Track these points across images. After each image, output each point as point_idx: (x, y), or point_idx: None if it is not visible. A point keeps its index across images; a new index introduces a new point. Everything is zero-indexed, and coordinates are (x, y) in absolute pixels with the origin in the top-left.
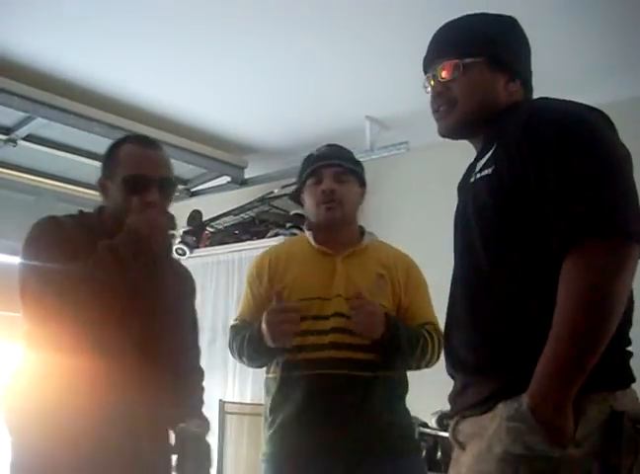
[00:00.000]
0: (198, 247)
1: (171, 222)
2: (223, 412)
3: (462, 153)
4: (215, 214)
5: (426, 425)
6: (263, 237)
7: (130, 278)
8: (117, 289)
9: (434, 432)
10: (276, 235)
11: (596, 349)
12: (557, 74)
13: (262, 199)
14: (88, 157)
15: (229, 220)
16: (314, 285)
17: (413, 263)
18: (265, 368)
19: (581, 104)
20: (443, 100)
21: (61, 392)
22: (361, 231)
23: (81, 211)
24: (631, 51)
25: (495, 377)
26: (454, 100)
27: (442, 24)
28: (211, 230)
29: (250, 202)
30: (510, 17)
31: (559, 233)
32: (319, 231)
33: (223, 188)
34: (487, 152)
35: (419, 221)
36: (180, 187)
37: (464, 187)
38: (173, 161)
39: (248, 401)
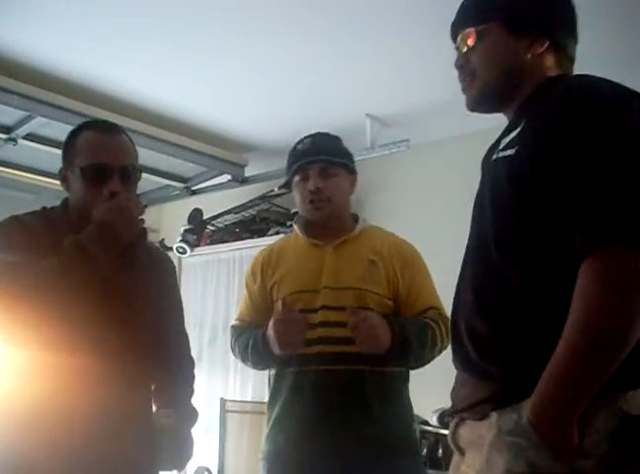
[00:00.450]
0: (198, 245)
1: (138, 208)
2: (224, 410)
3: (463, 151)
4: (216, 213)
5: (427, 422)
6: (263, 235)
7: (101, 273)
8: (88, 285)
9: (435, 429)
10: (276, 233)
11: (612, 361)
12: None
13: (262, 198)
14: None
15: (230, 218)
16: (302, 278)
17: (410, 247)
18: None
19: (627, 89)
20: (465, 72)
21: (43, 392)
22: (355, 218)
23: (44, 208)
24: (631, 52)
25: (491, 380)
26: (474, 71)
27: None
28: (212, 228)
29: (250, 201)
30: None
31: (586, 232)
32: (309, 225)
33: (224, 186)
34: (514, 129)
35: (419, 219)
36: (180, 185)
37: (486, 164)
38: (173, 159)
39: (249, 399)
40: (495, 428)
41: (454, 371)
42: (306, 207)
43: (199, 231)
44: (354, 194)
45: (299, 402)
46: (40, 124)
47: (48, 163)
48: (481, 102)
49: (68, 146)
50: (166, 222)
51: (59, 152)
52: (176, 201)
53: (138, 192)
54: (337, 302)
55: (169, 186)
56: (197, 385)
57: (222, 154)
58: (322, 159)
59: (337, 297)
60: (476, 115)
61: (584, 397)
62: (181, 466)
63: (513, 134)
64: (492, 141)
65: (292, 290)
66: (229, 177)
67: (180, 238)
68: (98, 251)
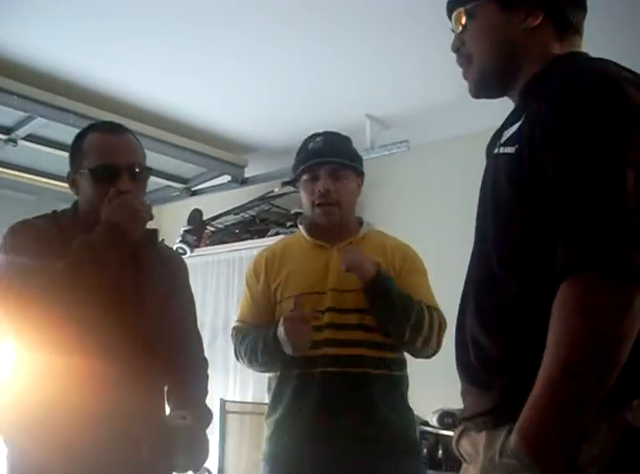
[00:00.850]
0: (198, 246)
1: (145, 206)
2: (224, 411)
3: (463, 151)
4: (216, 213)
5: (427, 423)
6: (263, 236)
7: (111, 273)
8: (98, 286)
9: (435, 430)
10: (276, 234)
11: (589, 389)
12: None
13: (262, 198)
14: None
15: (230, 219)
16: (308, 280)
17: (412, 251)
18: None
19: (635, 81)
20: (462, 56)
21: (54, 396)
22: (359, 221)
23: (55, 211)
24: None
25: (490, 392)
26: (470, 54)
27: None
28: (212, 229)
29: (250, 201)
30: None
31: (563, 254)
32: (314, 225)
33: (224, 187)
34: (515, 121)
35: (419, 219)
36: (180, 186)
37: (490, 153)
38: (173, 160)
39: (249, 400)
40: (489, 447)
41: (454, 372)
42: (314, 210)
43: (198, 232)
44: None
45: (303, 404)
46: (40, 125)
47: (48, 164)
48: (483, 86)
49: (75, 149)
50: (166, 223)
51: (59, 153)
52: (175, 202)
53: None
54: (343, 305)
55: (169, 186)
56: None
57: (222, 155)
58: (334, 161)
59: (343, 300)
60: (476, 115)
61: (568, 424)
62: (197, 467)
63: (514, 127)
64: None
65: (299, 291)
66: (229, 178)
67: (179, 239)
68: (107, 251)
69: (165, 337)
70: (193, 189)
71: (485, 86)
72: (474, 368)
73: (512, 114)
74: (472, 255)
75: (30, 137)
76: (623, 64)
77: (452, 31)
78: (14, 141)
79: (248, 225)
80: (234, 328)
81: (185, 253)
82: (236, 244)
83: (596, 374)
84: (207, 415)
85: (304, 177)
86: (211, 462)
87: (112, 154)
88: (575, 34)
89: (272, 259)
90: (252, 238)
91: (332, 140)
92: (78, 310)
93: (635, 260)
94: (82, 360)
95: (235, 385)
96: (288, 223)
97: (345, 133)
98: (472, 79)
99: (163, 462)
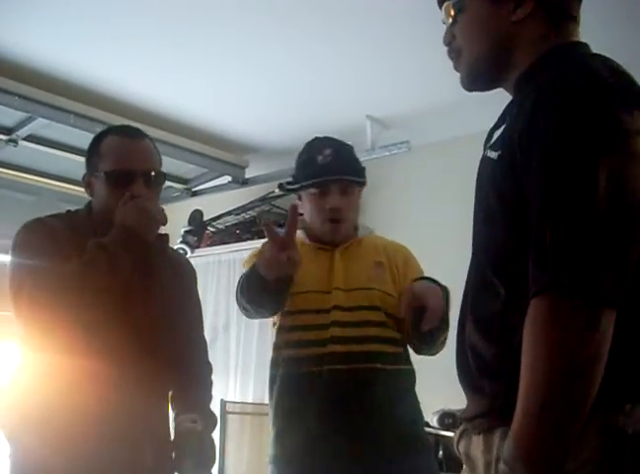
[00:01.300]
0: (199, 247)
1: (158, 209)
2: (225, 412)
3: (464, 152)
4: (216, 214)
5: (427, 424)
6: (264, 237)
7: (124, 276)
8: (109, 287)
9: (435, 431)
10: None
11: (565, 416)
12: None
13: (263, 199)
14: None
15: (230, 220)
16: (313, 279)
17: (410, 253)
18: (269, 366)
19: (626, 86)
20: (452, 49)
21: (59, 397)
22: (355, 226)
23: (69, 211)
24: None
25: (484, 395)
26: (459, 48)
27: None
28: (212, 230)
29: (251, 202)
30: None
31: (532, 272)
32: (314, 232)
33: (224, 187)
34: (502, 123)
35: (420, 220)
36: (181, 186)
37: (483, 153)
38: (174, 161)
39: (250, 400)
40: (487, 451)
41: (454, 373)
42: (323, 226)
43: (199, 232)
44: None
45: (311, 403)
46: (40, 126)
47: (49, 164)
48: (473, 80)
49: (92, 152)
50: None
51: (60, 154)
52: (176, 203)
53: None
54: (348, 303)
55: (169, 187)
56: None
57: (223, 155)
58: (345, 179)
59: (348, 298)
60: (477, 116)
61: (552, 443)
62: (206, 471)
63: (499, 131)
64: None
65: (304, 289)
66: (230, 178)
67: (180, 239)
68: (121, 253)
69: (171, 341)
70: (193, 189)
71: (476, 79)
72: (471, 373)
73: (501, 114)
74: (471, 260)
75: (30, 138)
76: (619, 58)
77: (443, 23)
78: (15, 142)
79: (249, 226)
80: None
81: (185, 253)
82: (237, 245)
83: (567, 397)
84: (213, 419)
85: (312, 190)
86: None
87: (128, 159)
88: (570, 21)
89: None
90: (253, 239)
91: (341, 155)
92: (87, 312)
93: (602, 282)
94: (87, 362)
95: (235, 386)
96: None
97: (345, 134)
98: (462, 73)
99: (164, 465)
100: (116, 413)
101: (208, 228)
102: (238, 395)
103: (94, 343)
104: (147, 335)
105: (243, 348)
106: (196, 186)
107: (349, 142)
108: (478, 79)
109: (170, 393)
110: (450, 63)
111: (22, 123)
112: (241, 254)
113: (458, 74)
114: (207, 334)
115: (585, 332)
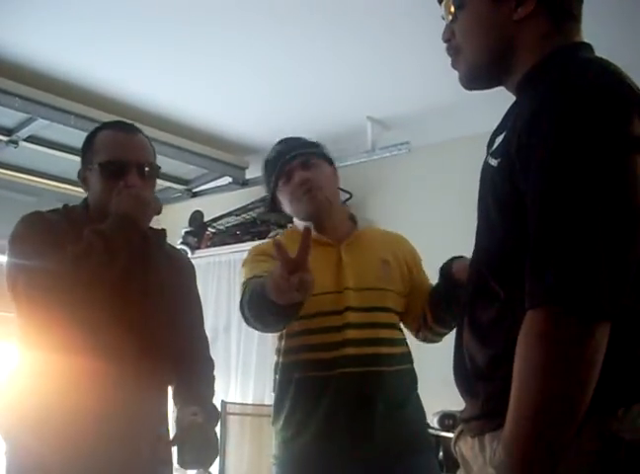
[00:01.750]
0: (199, 247)
1: (155, 199)
2: (225, 413)
3: (464, 153)
4: (217, 215)
5: (427, 425)
6: (264, 238)
7: (121, 263)
8: (107, 279)
9: (435, 432)
10: (277, 235)
11: (556, 423)
12: None
13: (263, 200)
14: None
15: (231, 221)
16: (323, 279)
17: (411, 244)
18: (275, 371)
19: (627, 92)
20: (451, 47)
21: (57, 396)
22: (352, 217)
23: (66, 205)
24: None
25: (478, 398)
26: (458, 46)
27: None
28: (213, 231)
29: (251, 203)
30: None
31: (528, 284)
32: (310, 224)
33: (225, 188)
34: (503, 129)
35: (420, 221)
36: (181, 187)
37: (485, 158)
38: (174, 162)
39: (250, 402)
40: (481, 454)
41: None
42: (300, 204)
43: (199, 233)
44: (354, 196)
45: (322, 406)
46: (41, 127)
47: (49, 165)
48: (472, 80)
49: (87, 146)
50: (166, 224)
51: (61, 155)
52: (176, 204)
53: None
54: (361, 303)
55: (170, 188)
56: None
57: (223, 156)
58: (300, 153)
59: (360, 298)
60: (477, 117)
61: (545, 445)
62: (207, 464)
63: (501, 137)
64: None
65: (317, 291)
66: (230, 179)
67: (180, 240)
68: (117, 239)
69: (171, 337)
70: (194, 190)
71: (474, 78)
72: (467, 376)
73: (503, 119)
74: (470, 263)
75: (31, 139)
76: (619, 58)
77: (443, 18)
78: (15, 143)
79: (249, 227)
80: (243, 283)
81: (186, 254)
82: (237, 245)
83: (558, 407)
84: (215, 413)
85: (280, 183)
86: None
87: (121, 151)
88: (572, 20)
89: None
90: (253, 240)
91: (288, 141)
92: (83, 308)
93: (599, 297)
94: (85, 360)
95: (236, 387)
96: (289, 225)
97: (346, 135)
98: (460, 72)
99: (163, 462)
100: (113, 411)
101: (209, 229)
102: (238, 396)
103: (91, 341)
104: (145, 331)
105: (243, 349)
106: (196, 187)
107: (348, 143)
108: (477, 78)
109: (171, 389)
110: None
111: (22, 124)
112: (242, 255)
113: (458, 74)
114: (208, 335)
115: (580, 343)
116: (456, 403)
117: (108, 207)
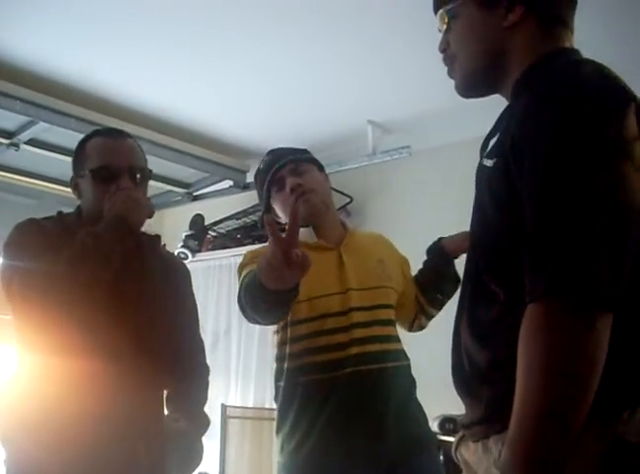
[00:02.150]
0: (200, 251)
1: (148, 200)
2: (225, 416)
3: (465, 157)
4: (217, 218)
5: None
6: (265, 241)
7: (115, 265)
8: (101, 280)
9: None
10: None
11: (562, 419)
12: None
13: None
14: None
15: (231, 224)
16: (328, 281)
17: (389, 240)
18: (274, 377)
19: (617, 90)
20: (447, 56)
21: (55, 399)
22: (341, 221)
23: (60, 212)
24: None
25: (481, 400)
26: (454, 55)
27: None
28: (213, 234)
29: (252, 206)
30: None
31: (528, 278)
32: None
33: (225, 192)
34: (496, 131)
35: (420, 225)
36: (182, 191)
37: (479, 159)
38: (175, 165)
39: (250, 405)
40: (485, 458)
41: None
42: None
43: (200, 237)
44: (355, 200)
45: (329, 406)
46: (42, 130)
47: (50, 168)
48: (467, 88)
49: (78, 154)
50: (167, 228)
51: (61, 158)
52: (177, 207)
53: None
54: (364, 302)
55: (170, 191)
56: None
57: (224, 160)
58: (290, 159)
59: (363, 297)
60: (478, 121)
61: (551, 442)
62: (188, 470)
63: (495, 139)
64: None
65: (323, 293)
66: (231, 183)
67: (181, 244)
68: (111, 241)
69: (166, 341)
70: (194, 194)
71: (470, 86)
72: (467, 378)
73: (499, 118)
74: (466, 264)
75: (32, 142)
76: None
77: (439, 31)
78: (16, 146)
79: (250, 230)
80: (240, 281)
81: (186, 258)
82: (238, 249)
83: (563, 402)
84: (204, 421)
85: (273, 192)
86: (212, 467)
87: (112, 156)
88: (563, 27)
89: None
90: (254, 243)
91: (277, 151)
92: (79, 309)
93: (598, 286)
94: (82, 363)
95: (236, 390)
96: None
97: (346, 139)
98: (456, 81)
99: (159, 465)
100: (111, 413)
101: (209, 232)
102: (239, 399)
103: (88, 342)
104: (142, 335)
105: (244, 352)
106: (197, 190)
107: (348, 147)
108: (472, 84)
109: (165, 393)
110: None
111: (23, 127)
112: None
113: (454, 83)
114: (208, 338)
115: (581, 335)
116: (457, 407)
117: (101, 212)
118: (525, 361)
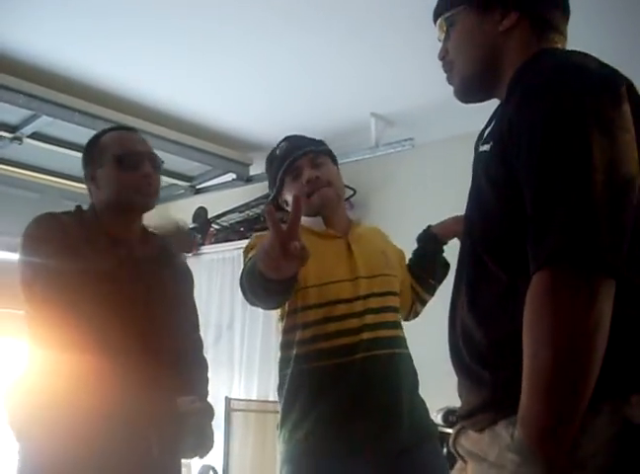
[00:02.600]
0: (203, 244)
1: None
2: (229, 409)
3: (468, 149)
4: (220, 211)
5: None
6: None
7: (124, 253)
8: (116, 282)
9: (439, 428)
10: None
11: (572, 391)
12: None
13: (267, 196)
14: None
15: (234, 217)
16: (339, 268)
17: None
18: (279, 365)
19: (614, 77)
20: (446, 63)
21: (67, 395)
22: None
23: (78, 207)
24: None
25: (484, 386)
26: (452, 62)
27: None
28: (216, 227)
29: (255, 199)
30: None
31: (531, 249)
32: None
33: (228, 185)
34: (492, 120)
35: (423, 217)
36: (185, 184)
37: (475, 151)
38: (178, 158)
39: (254, 398)
40: (494, 445)
41: None
42: (308, 201)
43: (203, 230)
44: (358, 192)
45: (346, 391)
46: (45, 124)
47: (53, 162)
48: (466, 92)
49: (92, 150)
50: None
51: (64, 151)
52: (180, 200)
53: None
54: (374, 289)
55: (173, 184)
56: None
57: (227, 153)
58: (309, 150)
59: (372, 285)
60: (480, 114)
61: (559, 409)
62: (203, 452)
63: (491, 126)
64: None
65: (333, 279)
66: (234, 175)
67: None
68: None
69: (171, 343)
70: (197, 187)
71: (468, 91)
72: (467, 362)
73: (494, 112)
74: (461, 252)
75: (35, 135)
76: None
77: (439, 40)
78: (19, 139)
79: (253, 223)
80: (244, 263)
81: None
82: (241, 242)
83: (572, 368)
84: (210, 410)
85: (288, 179)
86: (216, 460)
87: (132, 144)
88: (556, 32)
89: None
90: None
91: (295, 138)
92: (92, 312)
93: (600, 250)
94: (96, 359)
95: (240, 383)
96: None
97: (349, 132)
98: (454, 86)
99: (172, 460)
100: (123, 409)
101: (213, 226)
102: (242, 392)
103: (100, 341)
104: (148, 334)
105: (247, 345)
106: (200, 183)
107: (352, 139)
108: (470, 89)
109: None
110: None
111: (26, 121)
112: None
113: (453, 88)
114: (212, 332)
115: (586, 299)
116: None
117: (123, 198)
118: (533, 330)
